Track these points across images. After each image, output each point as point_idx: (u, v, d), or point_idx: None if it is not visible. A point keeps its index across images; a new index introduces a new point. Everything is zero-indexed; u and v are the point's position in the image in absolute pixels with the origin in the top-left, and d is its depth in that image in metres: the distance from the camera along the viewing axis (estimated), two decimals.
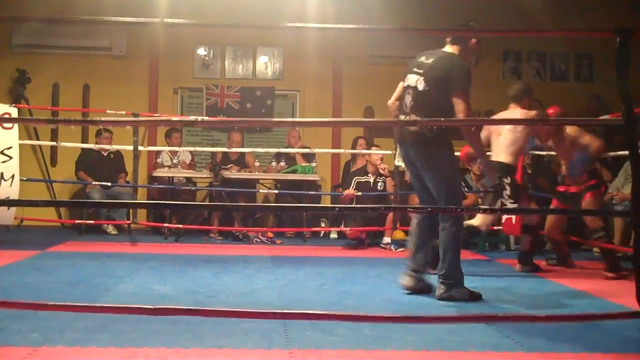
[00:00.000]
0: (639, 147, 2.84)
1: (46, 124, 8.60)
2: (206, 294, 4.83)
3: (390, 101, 5.05)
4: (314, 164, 9.13)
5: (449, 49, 4.91)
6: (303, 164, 9.05)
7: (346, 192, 8.12)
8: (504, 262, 7.02)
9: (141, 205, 8.49)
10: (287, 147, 9.36)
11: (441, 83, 4.69)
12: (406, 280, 4.94)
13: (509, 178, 6.11)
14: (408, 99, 4.82)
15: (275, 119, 9.19)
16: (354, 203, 8.09)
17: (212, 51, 10.44)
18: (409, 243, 5.06)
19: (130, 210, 8.29)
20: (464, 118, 4.62)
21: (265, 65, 10.50)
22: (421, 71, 4.79)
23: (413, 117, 4.73)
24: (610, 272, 6.02)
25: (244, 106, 10.25)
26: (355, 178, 8.29)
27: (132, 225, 8.53)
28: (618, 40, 2.81)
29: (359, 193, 8.06)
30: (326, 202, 9.81)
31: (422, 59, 4.87)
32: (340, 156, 10.00)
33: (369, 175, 8.26)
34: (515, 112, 6.29)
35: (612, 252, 6.18)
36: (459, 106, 4.59)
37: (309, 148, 9.22)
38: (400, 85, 5.00)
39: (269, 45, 10.39)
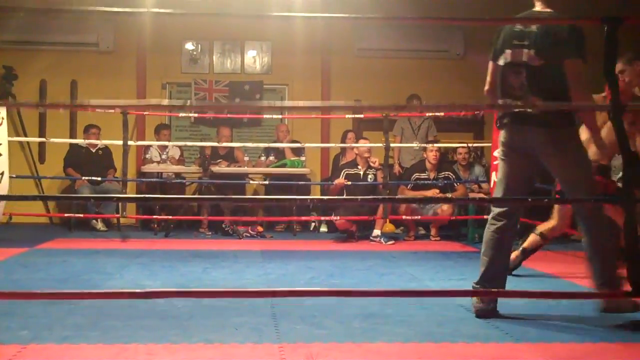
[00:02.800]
0: (626, 133, 2.86)
1: (35, 107, 8.55)
2: (196, 288, 4.83)
3: (487, 87, 4.23)
4: (303, 158, 9.13)
5: (539, 7, 4.10)
6: (292, 158, 9.05)
7: (336, 181, 8.12)
8: None
9: (129, 199, 8.45)
10: (276, 142, 9.35)
11: (557, 52, 3.88)
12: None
13: None
14: (517, 79, 4.01)
15: (265, 103, 9.15)
16: (344, 193, 8.08)
17: (200, 46, 10.40)
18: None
19: (120, 204, 8.27)
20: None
21: (254, 59, 10.48)
22: (526, 42, 3.96)
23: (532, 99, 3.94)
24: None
25: (233, 100, 10.21)
26: (344, 170, 8.29)
27: (121, 220, 8.52)
28: (606, 28, 2.81)
29: (349, 182, 8.06)
30: (315, 194, 9.81)
31: (520, 27, 4.02)
32: (330, 150, 9.99)
33: (359, 167, 8.26)
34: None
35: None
36: (576, 75, 3.86)
37: (298, 142, 9.21)
38: (490, 66, 4.19)
39: (257, 39, 10.36)
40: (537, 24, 3.96)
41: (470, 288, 4.14)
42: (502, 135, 4.15)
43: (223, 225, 8.44)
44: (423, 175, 8.35)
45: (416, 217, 8.17)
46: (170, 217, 8.24)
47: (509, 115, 4.06)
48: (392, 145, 8.34)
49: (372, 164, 8.28)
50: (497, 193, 4.26)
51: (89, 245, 7.29)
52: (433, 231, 8.31)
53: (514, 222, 4.14)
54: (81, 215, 8.42)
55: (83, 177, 8.41)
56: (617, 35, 2.84)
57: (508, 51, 4.03)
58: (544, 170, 4.13)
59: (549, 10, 4.03)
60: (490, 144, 7.46)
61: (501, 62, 4.06)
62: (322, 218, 8.82)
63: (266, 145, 9.25)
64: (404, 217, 8.13)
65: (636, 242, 2.72)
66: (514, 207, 4.14)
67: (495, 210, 4.12)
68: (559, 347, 3.37)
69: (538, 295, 4.19)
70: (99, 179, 8.36)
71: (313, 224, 9.18)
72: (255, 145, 9.38)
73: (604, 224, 3.98)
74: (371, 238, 7.93)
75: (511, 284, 5.24)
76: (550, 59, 3.88)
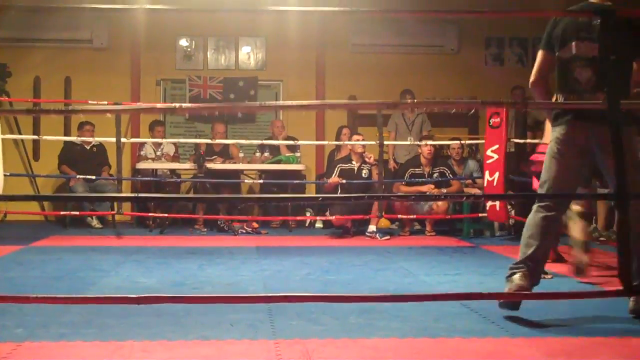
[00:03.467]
0: (621, 130, 2.85)
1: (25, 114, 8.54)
2: (192, 285, 4.83)
3: (536, 78, 4.01)
4: (298, 154, 9.12)
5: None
6: (287, 154, 9.04)
7: (330, 179, 8.11)
8: (489, 248, 7.05)
9: (124, 199, 8.44)
10: (271, 138, 9.34)
11: (623, 48, 3.58)
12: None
13: None
14: (583, 74, 3.82)
15: (257, 104, 9.09)
16: (339, 191, 8.08)
17: (194, 42, 10.39)
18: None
19: (115, 203, 8.26)
20: None
21: (248, 55, 10.47)
22: (593, 36, 3.74)
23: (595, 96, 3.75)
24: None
25: (227, 97, 10.20)
26: (338, 166, 8.29)
27: (116, 217, 8.50)
28: (600, 21, 2.81)
29: (343, 181, 8.05)
30: (311, 191, 9.81)
31: (584, 19, 3.84)
32: (325, 145, 9.99)
33: (353, 163, 8.26)
34: None
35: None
36: None
37: (293, 138, 9.21)
38: (542, 55, 4.01)
39: (251, 35, 10.34)
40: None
41: (461, 284, 4.14)
42: (558, 131, 3.92)
43: (218, 222, 8.43)
44: (418, 171, 8.35)
45: (411, 216, 8.19)
46: (165, 215, 8.24)
47: (572, 112, 3.86)
48: (386, 142, 8.34)
49: (367, 160, 8.28)
50: (544, 190, 3.99)
51: (84, 242, 7.28)
52: (428, 226, 8.32)
53: (562, 213, 4.09)
54: (76, 213, 8.40)
55: (78, 176, 8.38)
56: (610, 28, 2.84)
57: (574, 43, 3.82)
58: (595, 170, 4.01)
59: (608, 3, 3.85)
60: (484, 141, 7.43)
61: (566, 54, 3.86)
62: (318, 218, 8.83)
63: (260, 142, 9.22)
64: (399, 216, 8.15)
65: (628, 239, 2.72)
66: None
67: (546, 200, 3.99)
68: (554, 341, 3.37)
69: (551, 296, 4.14)
70: (94, 177, 8.33)
71: (308, 220, 9.18)
72: (250, 142, 9.34)
73: None
74: (367, 233, 7.94)
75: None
76: (619, 53, 3.44)
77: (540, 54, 4.01)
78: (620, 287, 2.72)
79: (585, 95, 3.79)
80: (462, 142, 9.04)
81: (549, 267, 5.40)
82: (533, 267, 3.87)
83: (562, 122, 3.90)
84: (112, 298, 3.11)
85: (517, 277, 3.85)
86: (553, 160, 3.95)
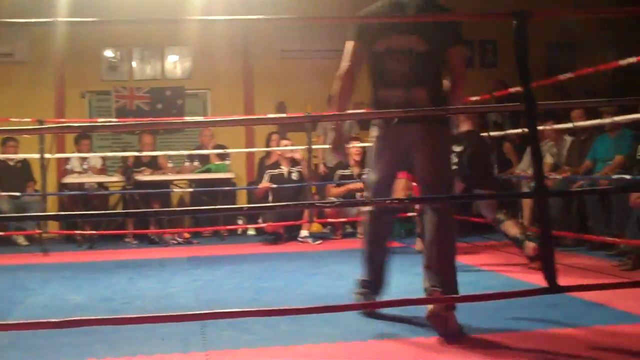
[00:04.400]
0: (538, 130, 2.93)
1: None
2: (121, 300, 4.75)
3: (347, 70, 3.88)
4: (227, 162, 9.08)
5: None
6: (217, 163, 8.99)
7: (260, 185, 8.10)
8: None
9: (50, 217, 8.23)
10: (200, 147, 9.28)
11: (442, 38, 3.66)
12: None
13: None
14: (399, 67, 3.67)
15: (177, 120, 9.04)
16: (269, 195, 8.08)
17: (119, 53, 10.27)
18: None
19: (41, 221, 8.06)
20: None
21: (175, 64, 10.40)
22: (411, 29, 3.65)
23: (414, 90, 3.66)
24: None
25: (155, 107, 10.11)
26: (267, 172, 8.29)
27: (43, 235, 8.31)
28: (515, 23, 2.87)
29: (274, 185, 8.05)
30: (242, 198, 9.78)
31: (398, 10, 3.72)
32: (255, 152, 9.97)
33: (282, 167, 8.27)
34: None
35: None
36: (461, 62, 3.79)
37: (222, 146, 9.17)
38: (352, 47, 3.88)
39: (177, 44, 10.27)
40: (421, 8, 3.68)
41: (392, 285, 4.17)
42: (376, 129, 3.88)
43: (149, 234, 8.33)
44: (347, 172, 8.43)
45: (342, 219, 8.24)
46: (93, 232, 8.09)
47: (382, 107, 3.74)
48: (314, 147, 8.39)
49: (295, 157, 8.30)
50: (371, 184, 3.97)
51: (9, 260, 7.10)
52: (360, 229, 8.37)
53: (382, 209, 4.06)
54: (1, 233, 8.18)
55: (2, 193, 8.16)
56: (526, 30, 2.91)
57: (389, 36, 3.68)
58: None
59: None
60: None
61: (380, 47, 3.71)
62: (249, 226, 8.81)
63: (188, 152, 9.14)
64: (329, 220, 8.20)
65: (550, 238, 2.79)
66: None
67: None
68: (482, 337, 3.43)
69: (478, 298, 4.22)
70: (19, 194, 8.12)
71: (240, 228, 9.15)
72: (178, 153, 9.25)
73: (453, 222, 3.75)
74: (299, 239, 7.95)
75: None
76: (435, 44, 3.64)
77: (350, 46, 3.87)
78: (545, 284, 2.79)
79: (402, 89, 3.67)
80: None
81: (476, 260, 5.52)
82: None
83: (379, 121, 3.87)
84: (29, 324, 3.02)
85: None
86: (375, 158, 3.93)
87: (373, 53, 3.75)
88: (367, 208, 4.06)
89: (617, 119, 6.03)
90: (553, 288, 2.77)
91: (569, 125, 6.78)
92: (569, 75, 6.13)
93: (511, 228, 5.78)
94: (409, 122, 3.68)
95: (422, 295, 3.70)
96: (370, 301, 3.91)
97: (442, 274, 3.60)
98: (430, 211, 3.67)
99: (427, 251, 3.67)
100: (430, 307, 3.44)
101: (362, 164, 8.44)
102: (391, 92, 3.70)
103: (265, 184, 8.09)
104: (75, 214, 7.09)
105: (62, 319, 2.45)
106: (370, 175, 3.97)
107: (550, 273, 2.75)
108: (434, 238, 3.64)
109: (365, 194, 4.06)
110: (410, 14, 3.68)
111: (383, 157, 3.89)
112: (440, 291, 3.52)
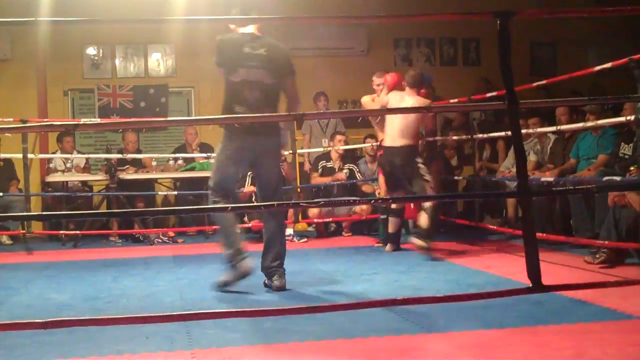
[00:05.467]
0: (520, 128, 2.94)
1: None
2: (106, 299, 4.73)
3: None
4: (212, 161, 9.03)
5: (254, 30, 4.91)
6: (201, 161, 8.96)
7: (244, 189, 8.08)
8: (403, 246, 7.13)
9: (33, 217, 8.18)
10: (184, 145, 9.25)
11: (283, 73, 4.88)
12: None
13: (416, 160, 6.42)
14: (252, 94, 4.77)
15: (162, 119, 9.01)
16: (254, 198, 8.05)
17: (101, 50, 10.21)
18: None
19: (24, 222, 8.00)
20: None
21: (158, 62, 10.35)
22: (257, 63, 4.79)
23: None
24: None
25: (138, 105, 10.08)
26: (249, 174, 8.26)
27: (27, 234, 8.25)
28: (498, 22, 2.88)
29: None
30: None
31: (247, 49, 4.80)
32: None
33: None
34: (412, 98, 6.47)
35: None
36: (294, 88, 4.95)
37: (207, 144, 9.15)
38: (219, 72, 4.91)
39: (160, 42, 10.23)
40: (266, 48, 4.80)
41: (378, 283, 4.18)
42: (231, 138, 4.85)
43: (133, 232, 8.29)
44: (329, 164, 8.51)
45: (327, 219, 8.27)
46: (77, 232, 8.04)
47: (236, 128, 4.80)
48: (300, 149, 8.45)
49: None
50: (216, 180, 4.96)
51: None
52: (345, 227, 8.41)
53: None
54: None
55: None
56: (509, 29, 2.92)
57: (244, 70, 4.77)
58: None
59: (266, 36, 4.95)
60: None
61: (236, 78, 4.77)
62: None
63: (174, 156, 9.12)
64: (315, 220, 8.22)
65: (534, 236, 2.80)
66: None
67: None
68: (468, 335, 3.45)
69: (462, 298, 4.26)
70: (1, 194, 8.04)
71: None
72: (164, 156, 9.22)
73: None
74: None
75: (425, 275, 5.37)
76: (278, 78, 4.83)
77: (220, 71, 4.89)
78: (529, 283, 2.80)
79: (252, 112, 4.70)
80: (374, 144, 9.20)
81: None
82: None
83: (229, 134, 4.86)
84: (16, 324, 3.01)
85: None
86: (221, 161, 4.97)
87: (230, 81, 4.82)
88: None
89: (600, 122, 6.07)
90: (537, 287, 2.79)
91: (553, 128, 6.82)
92: (562, 76, 6.19)
93: (423, 219, 6.30)
94: (253, 134, 4.79)
95: (406, 291, 3.71)
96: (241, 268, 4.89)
97: (282, 254, 5.05)
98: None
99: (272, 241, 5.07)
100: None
101: (343, 159, 8.54)
102: (246, 112, 4.74)
103: (249, 188, 8.04)
104: (59, 214, 7.03)
105: (45, 320, 2.44)
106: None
107: (534, 272, 2.77)
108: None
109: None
110: (260, 52, 4.80)
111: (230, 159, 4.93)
112: (283, 269, 4.97)
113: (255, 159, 4.93)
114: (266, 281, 5.02)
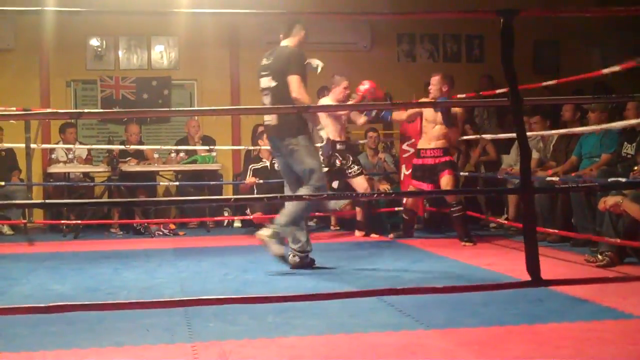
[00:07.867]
0: (525, 125, 2.94)
1: None
2: (106, 291, 4.73)
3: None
4: (214, 154, 9.05)
5: (285, 42, 5.52)
6: (203, 154, 8.97)
7: (245, 181, 8.08)
8: (405, 241, 7.14)
9: (34, 205, 8.19)
10: (187, 138, 9.26)
11: (283, 73, 5.27)
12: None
13: None
14: (267, 99, 5.41)
15: (164, 109, 9.02)
16: (255, 190, 8.06)
17: (105, 42, 10.19)
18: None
19: (26, 210, 8.01)
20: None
21: (161, 54, 10.34)
22: (267, 72, 5.39)
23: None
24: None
25: (140, 97, 10.07)
26: (250, 166, 8.27)
27: (28, 225, 8.26)
28: (502, 20, 2.88)
29: (261, 181, 8.03)
30: (228, 191, 9.76)
31: (264, 61, 5.47)
32: (242, 143, 9.94)
33: (264, 160, 8.25)
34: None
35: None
36: (295, 86, 5.23)
37: (209, 137, 9.15)
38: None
39: (163, 34, 10.22)
40: (275, 55, 5.38)
41: (379, 278, 4.19)
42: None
43: (134, 224, 8.30)
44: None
45: (328, 213, 8.29)
46: (79, 222, 8.04)
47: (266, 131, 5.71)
48: None
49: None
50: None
51: None
52: (333, 221, 8.45)
53: None
54: None
55: None
56: (513, 27, 2.91)
57: (260, 80, 5.44)
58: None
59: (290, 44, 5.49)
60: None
61: (260, 88, 5.44)
62: (236, 218, 8.78)
63: (176, 148, 9.11)
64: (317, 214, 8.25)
65: (534, 231, 2.81)
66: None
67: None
68: (467, 331, 3.44)
69: (462, 289, 4.25)
70: (3, 183, 8.04)
71: (226, 220, 9.13)
72: (167, 147, 9.22)
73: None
74: None
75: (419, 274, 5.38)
76: (279, 80, 5.27)
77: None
78: (529, 279, 2.81)
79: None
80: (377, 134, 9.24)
81: None
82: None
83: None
84: (18, 308, 3.02)
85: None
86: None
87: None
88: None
89: (604, 126, 6.07)
90: (536, 281, 2.80)
91: (553, 132, 6.85)
92: (569, 79, 6.20)
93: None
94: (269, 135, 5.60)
95: (410, 284, 3.72)
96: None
97: (290, 214, 5.40)
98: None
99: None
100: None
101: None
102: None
103: (249, 180, 8.05)
104: (61, 203, 7.06)
105: (48, 304, 2.44)
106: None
107: (533, 267, 2.78)
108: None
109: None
110: (270, 60, 5.41)
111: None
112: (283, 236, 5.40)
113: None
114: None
